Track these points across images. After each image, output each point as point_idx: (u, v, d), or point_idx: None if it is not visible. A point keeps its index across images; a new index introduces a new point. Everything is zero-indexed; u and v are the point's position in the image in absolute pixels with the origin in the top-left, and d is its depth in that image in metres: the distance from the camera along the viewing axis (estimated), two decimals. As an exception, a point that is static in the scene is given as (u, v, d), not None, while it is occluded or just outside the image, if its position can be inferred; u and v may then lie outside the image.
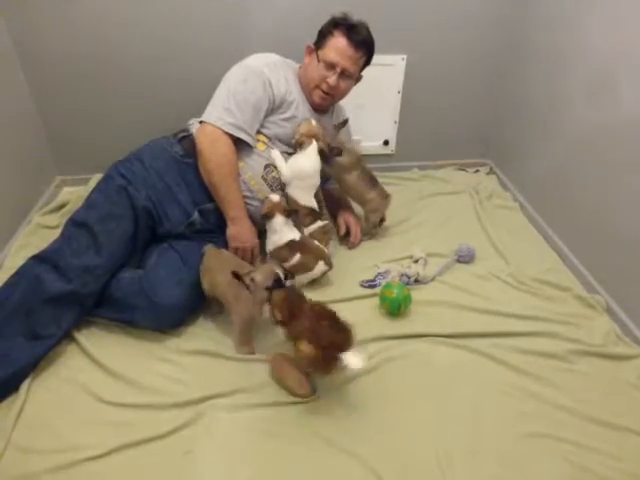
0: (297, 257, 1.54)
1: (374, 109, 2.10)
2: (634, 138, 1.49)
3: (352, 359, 1.15)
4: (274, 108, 1.56)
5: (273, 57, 1.62)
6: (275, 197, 1.55)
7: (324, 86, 1.58)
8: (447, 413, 1.26)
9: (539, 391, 1.32)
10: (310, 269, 1.57)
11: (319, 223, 1.64)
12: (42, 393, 1.25)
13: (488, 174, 2.32)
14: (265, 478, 1.10)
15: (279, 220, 1.54)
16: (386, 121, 2.18)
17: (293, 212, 1.58)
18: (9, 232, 1.74)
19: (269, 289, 1.27)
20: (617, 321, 1.55)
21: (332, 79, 1.56)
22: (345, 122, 1.74)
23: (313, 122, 1.59)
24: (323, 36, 1.57)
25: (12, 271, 1.40)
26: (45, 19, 1.75)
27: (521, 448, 1.20)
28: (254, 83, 1.50)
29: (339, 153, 1.65)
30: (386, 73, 2.04)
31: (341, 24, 1.54)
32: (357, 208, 1.87)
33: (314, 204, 1.63)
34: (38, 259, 1.35)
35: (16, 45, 1.78)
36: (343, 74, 1.57)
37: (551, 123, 1.88)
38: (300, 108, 1.61)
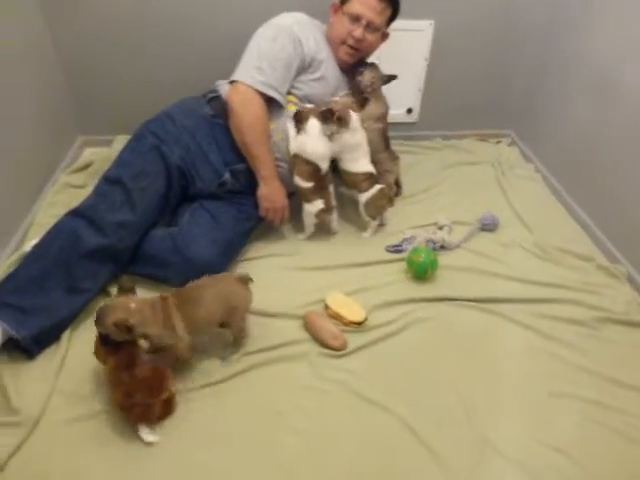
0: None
1: (399, 76, 2.07)
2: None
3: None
4: (304, 67, 1.56)
5: (301, 16, 1.61)
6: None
7: (350, 40, 1.57)
8: (474, 372, 1.30)
9: (564, 354, 1.36)
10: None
11: (377, 187, 1.63)
12: (81, 344, 1.28)
13: (510, 145, 2.31)
14: (299, 432, 1.14)
15: (313, 124, 1.51)
16: (410, 89, 2.16)
17: (329, 115, 1.52)
18: (37, 190, 1.75)
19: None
20: (639, 290, 1.57)
21: (358, 31, 1.54)
22: (393, 77, 1.73)
23: (337, 98, 1.61)
24: None
25: (43, 227, 1.43)
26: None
27: (544, 405, 1.24)
28: (284, 41, 1.49)
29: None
30: (413, 39, 2.01)
31: None
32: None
33: (371, 168, 1.64)
34: (75, 214, 1.36)
35: (43, 3, 1.76)
36: (369, 27, 1.56)
37: (574, 95, 1.87)
38: (330, 69, 1.61)
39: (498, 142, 2.32)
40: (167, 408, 1.13)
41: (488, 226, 1.75)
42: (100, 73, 1.95)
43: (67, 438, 1.10)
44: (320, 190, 1.56)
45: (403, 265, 1.57)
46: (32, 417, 1.10)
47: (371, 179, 1.64)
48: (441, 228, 1.72)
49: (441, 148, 2.25)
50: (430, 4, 1.96)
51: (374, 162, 1.75)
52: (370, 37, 1.58)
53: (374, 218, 1.68)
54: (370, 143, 1.70)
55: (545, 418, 1.21)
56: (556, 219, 1.88)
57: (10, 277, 1.27)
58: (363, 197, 1.64)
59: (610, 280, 1.60)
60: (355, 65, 1.67)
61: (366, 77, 1.66)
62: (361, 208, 1.66)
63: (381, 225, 1.74)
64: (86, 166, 1.93)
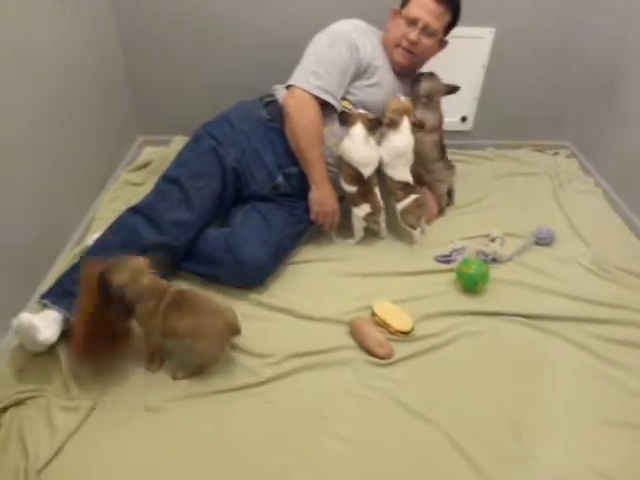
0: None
1: (455, 83, 2.04)
2: None
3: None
4: (360, 73, 1.56)
5: (359, 23, 1.62)
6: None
7: (405, 42, 1.56)
8: (522, 390, 1.26)
9: (619, 378, 1.29)
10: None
11: (412, 197, 1.62)
12: (136, 335, 1.33)
13: (569, 157, 2.23)
14: (343, 439, 1.13)
15: (358, 129, 1.51)
16: (466, 96, 2.11)
17: (375, 123, 1.52)
18: (99, 186, 1.84)
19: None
20: None
21: (413, 34, 1.53)
22: (455, 88, 1.72)
23: (401, 98, 1.58)
24: None
25: (104, 222, 1.51)
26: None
27: (594, 429, 1.18)
28: (341, 47, 1.50)
29: (422, 126, 1.64)
30: (471, 46, 1.97)
31: None
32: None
33: (409, 178, 1.62)
34: (134, 211, 1.42)
35: (114, 4, 1.85)
36: (425, 30, 1.54)
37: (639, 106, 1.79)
38: (385, 75, 1.61)
39: (556, 153, 2.24)
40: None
41: (543, 240, 1.70)
42: (161, 76, 2.03)
43: (116, 425, 1.14)
44: (365, 194, 1.56)
45: (452, 276, 1.54)
46: (88, 404, 1.15)
47: (407, 189, 1.62)
48: (493, 240, 1.68)
49: (494, 158, 2.19)
50: (491, 11, 1.92)
51: (428, 171, 1.74)
52: (425, 41, 1.56)
53: (413, 227, 1.65)
54: (424, 154, 1.70)
55: (594, 442, 1.15)
56: (616, 235, 1.79)
57: (73, 269, 1.33)
58: (398, 206, 1.63)
59: (673, 302, 1.52)
60: (413, 75, 1.67)
61: (423, 86, 1.65)
62: (399, 218, 1.66)
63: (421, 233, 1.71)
64: (145, 165, 2.01)
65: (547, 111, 2.20)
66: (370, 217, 1.58)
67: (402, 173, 1.62)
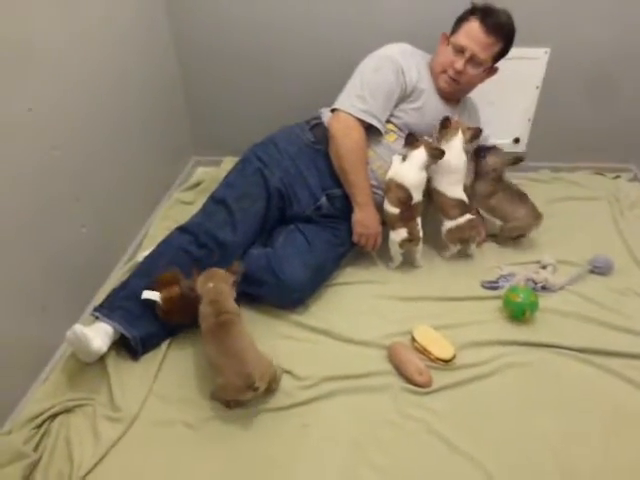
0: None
1: (507, 104, 1.99)
2: None
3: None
4: (405, 96, 1.56)
5: (406, 47, 1.62)
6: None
7: (450, 71, 1.54)
8: (572, 431, 1.18)
9: (684, 425, 1.19)
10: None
11: (467, 216, 1.60)
12: (177, 352, 1.38)
13: (631, 181, 2.11)
14: (376, 468, 1.11)
15: (420, 154, 1.51)
16: (519, 117, 2.06)
17: (439, 154, 1.51)
18: (153, 204, 1.93)
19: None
20: None
21: (459, 63, 1.52)
22: (520, 159, 1.71)
23: (455, 117, 1.58)
24: (459, 22, 1.54)
25: (155, 239, 1.57)
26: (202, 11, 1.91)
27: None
28: (387, 71, 1.52)
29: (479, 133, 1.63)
30: (525, 67, 1.92)
31: (479, 10, 1.50)
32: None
33: (463, 196, 1.61)
34: (182, 230, 1.48)
35: (174, 33, 1.96)
36: (472, 60, 1.52)
37: None
38: (431, 98, 1.60)
39: (617, 177, 2.12)
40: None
41: (600, 269, 1.60)
42: (216, 100, 2.12)
43: (156, 439, 1.17)
44: (407, 219, 1.54)
45: (499, 304, 1.48)
46: (131, 416, 1.19)
47: (461, 207, 1.59)
48: (544, 267, 1.61)
49: (549, 181, 2.11)
50: (547, 31, 1.87)
51: (507, 221, 1.69)
52: (472, 71, 1.54)
53: (455, 245, 1.64)
54: (497, 211, 1.70)
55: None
56: (682, 267, 1.66)
57: (123, 285, 1.40)
58: (448, 224, 1.61)
59: None
60: (478, 149, 1.69)
61: (490, 162, 1.65)
62: (443, 232, 1.64)
63: (467, 256, 1.69)
64: (197, 184, 2.09)
65: (607, 132, 2.10)
66: (406, 243, 1.55)
67: (455, 191, 1.60)
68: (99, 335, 1.25)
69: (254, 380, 1.13)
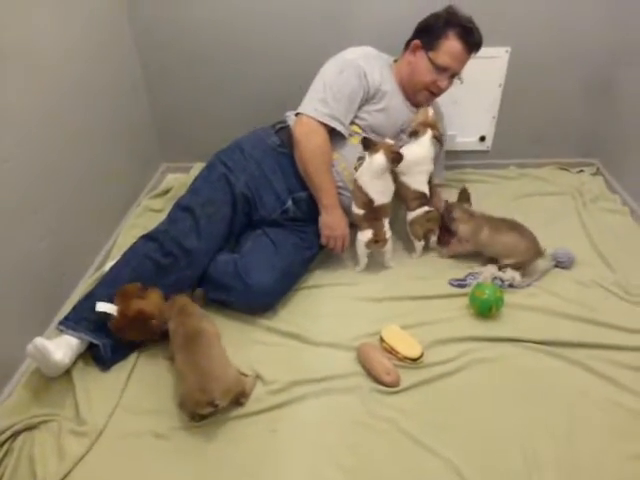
0: None
1: (471, 103, 2.02)
2: None
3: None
4: (368, 98, 1.58)
5: (368, 49, 1.64)
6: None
7: (434, 88, 1.58)
8: (539, 422, 1.20)
9: (646, 411, 1.22)
10: None
11: (425, 208, 1.62)
12: (145, 363, 1.37)
13: (594, 175, 2.15)
14: (344, 469, 1.11)
15: (379, 159, 1.50)
16: (483, 116, 2.10)
17: (398, 157, 1.51)
18: (122, 213, 1.91)
19: None
20: None
21: (445, 83, 1.57)
22: (466, 194, 1.74)
23: (430, 111, 1.61)
24: (435, 36, 1.54)
25: (123, 247, 1.55)
26: (163, 12, 1.89)
27: (624, 471, 1.10)
28: (349, 74, 1.53)
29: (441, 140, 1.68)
30: (487, 66, 1.95)
31: (455, 24, 1.51)
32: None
33: (426, 189, 1.63)
34: (147, 238, 1.46)
35: (136, 38, 1.94)
36: (452, 76, 1.58)
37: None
38: (394, 99, 1.61)
39: (580, 171, 2.17)
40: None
41: (563, 263, 1.63)
42: (183, 105, 2.10)
43: (124, 452, 1.15)
44: (372, 220, 1.55)
45: (466, 301, 1.50)
46: (97, 429, 1.17)
47: (421, 199, 1.62)
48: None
49: (515, 177, 2.14)
50: (507, 31, 1.90)
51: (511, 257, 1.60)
52: (451, 85, 1.61)
53: (419, 239, 1.66)
54: (499, 247, 1.61)
55: (618, 481, 1.08)
56: (643, 257, 1.70)
57: (89, 295, 1.38)
58: (409, 215, 1.64)
59: None
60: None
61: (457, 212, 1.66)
62: (407, 227, 1.67)
63: (428, 248, 1.72)
64: (166, 191, 2.07)
65: (570, 128, 2.15)
66: (372, 244, 1.56)
67: (419, 183, 1.62)
68: (61, 348, 1.23)
69: (213, 397, 1.12)
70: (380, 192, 1.54)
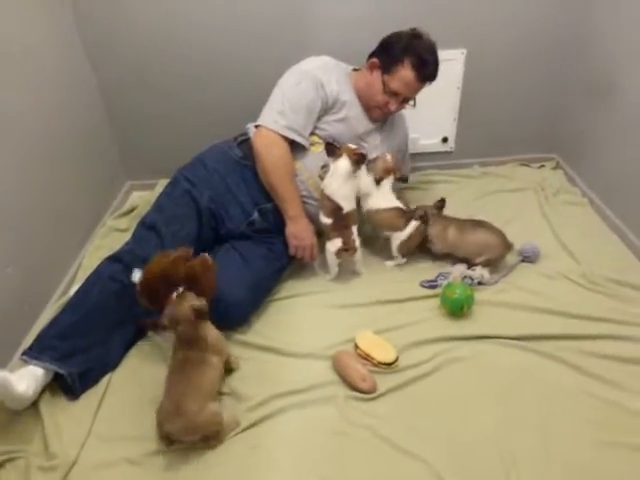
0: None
1: (432, 106, 2.04)
2: None
3: None
4: (327, 109, 1.58)
5: (326, 59, 1.64)
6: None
7: (385, 110, 1.61)
8: (513, 417, 1.22)
9: (615, 397, 1.24)
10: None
11: (413, 223, 1.62)
12: (119, 386, 1.33)
13: (554, 169, 2.21)
14: (323, 478, 1.11)
15: (344, 163, 1.51)
16: (445, 118, 2.13)
17: (361, 158, 1.52)
18: (86, 234, 1.87)
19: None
20: None
21: (394, 107, 1.60)
22: (406, 180, 1.77)
23: (388, 157, 1.62)
24: (392, 60, 1.55)
25: (88, 270, 1.50)
26: (117, 28, 1.86)
27: (595, 458, 1.13)
28: (307, 85, 1.53)
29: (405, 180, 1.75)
30: (445, 69, 1.96)
31: (412, 53, 1.52)
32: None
33: (399, 203, 1.66)
34: (112, 259, 1.43)
35: (89, 58, 1.90)
36: (404, 101, 1.61)
37: (624, 114, 1.77)
38: (353, 109, 1.62)
39: (541, 166, 2.22)
40: None
41: (529, 258, 1.66)
42: (144, 123, 2.07)
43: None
44: (340, 228, 1.55)
45: (438, 302, 1.51)
46: (67, 462, 1.13)
47: (403, 214, 1.63)
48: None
49: (479, 176, 2.18)
50: (461, 33, 1.94)
51: (481, 255, 1.62)
52: (402, 107, 1.64)
53: (404, 256, 1.67)
54: (469, 245, 1.63)
55: (597, 473, 1.10)
56: (606, 247, 1.75)
57: (52, 323, 1.34)
58: (400, 236, 1.63)
59: (669, 313, 1.47)
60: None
61: (418, 213, 1.65)
62: (395, 246, 1.65)
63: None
64: (131, 210, 2.03)
65: (530, 125, 2.20)
66: (342, 253, 1.56)
67: (390, 200, 1.65)
68: (24, 379, 1.19)
69: (168, 432, 1.11)
70: (348, 198, 1.54)
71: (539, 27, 1.96)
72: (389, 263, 1.70)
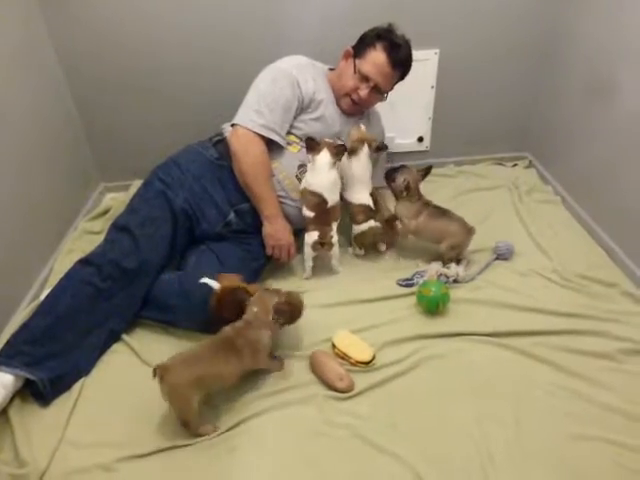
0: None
1: (407, 105, 2.07)
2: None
3: None
4: (303, 107, 1.58)
5: (301, 59, 1.65)
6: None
7: (354, 96, 1.61)
8: (489, 413, 1.23)
9: (586, 391, 1.27)
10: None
11: (371, 223, 1.64)
12: (93, 391, 1.30)
13: (527, 168, 2.25)
14: (305, 478, 1.10)
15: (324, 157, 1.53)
16: (420, 117, 2.15)
17: (342, 150, 1.55)
18: (58, 237, 1.82)
19: None
20: (670, 318, 1.47)
21: (364, 92, 1.58)
22: (428, 171, 1.72)
23: (362, 127, 1.63)
24: (364, 45, 1.57)
25: (60, 274, 1.47)
26: (89, 27, 1.82)
27: (568, 450, 1.15)
28: (283, 84, 1.52)
29: (384, 147, 1.74)
30: (419, 68, 1.99)
31: (385, 38, 1.54)
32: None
33: (369, 202, 1.66)
34: (84, 263, 1.40)
35: (60, 58, 1.86)
36: (375, 88, 1.59)
37: (595, 113, 1.81)
38: (329, 108, 1.62)
39: (514, 165, 2.26)
40: None
41: (503, 255, 1.69)
42: (117, 123, 2.03)
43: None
44: (320, 223, 1.56)
45: (414, 300, 1.53)
46: (39, 469, 1.11)
47: (367, 213, 1.65)
48: (459, 262, 1.66)
49: (455, 175, 2.21)
50: (434, 33, 1.96)
51: (441, 241, 1.65)
52: (373, 98, 1.63)
53: (360, 249, 1.72)
54: (429, 232, 1.66)
55: (570, 465, 1.12)
56: (577, 244, 1.79)
57: (22, 328, 1.30)
58: (356, 229, 1.67)
59: (637, 307, 1.51)
60: (387, 172, 1.71)
61: (400, 181, 1.66)
62: (352, 236, 1.70)
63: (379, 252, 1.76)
64: (105, 212, 1.99)
65: (502, 124, 2.23)
66: (318, 247, 1.57)
67: (361, 198, 1.65)
68: (-9, 386, 1.16)
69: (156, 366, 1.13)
70: (332, 190, 1.56)
71: (511, 27, 1.99)
72: (350, 249, 1.75)
